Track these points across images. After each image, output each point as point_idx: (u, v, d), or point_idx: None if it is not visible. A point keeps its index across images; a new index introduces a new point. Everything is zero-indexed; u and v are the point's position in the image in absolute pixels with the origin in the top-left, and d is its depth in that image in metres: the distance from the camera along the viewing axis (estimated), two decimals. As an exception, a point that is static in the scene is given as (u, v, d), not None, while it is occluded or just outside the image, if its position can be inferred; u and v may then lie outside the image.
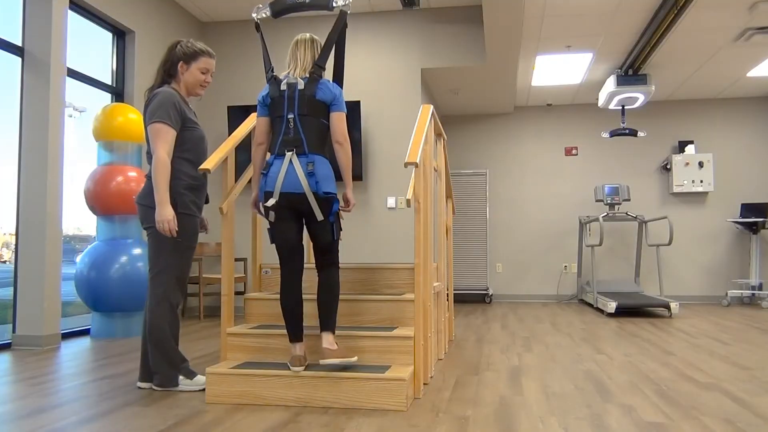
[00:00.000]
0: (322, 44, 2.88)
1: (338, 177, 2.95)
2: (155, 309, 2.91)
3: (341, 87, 2.93)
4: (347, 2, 2.87)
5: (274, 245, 2.82)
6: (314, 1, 2.90)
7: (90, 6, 4.96)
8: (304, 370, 2.72)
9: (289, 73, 2.85)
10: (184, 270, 2.97)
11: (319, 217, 2.74)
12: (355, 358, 2.76)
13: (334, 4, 2.87)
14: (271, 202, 2.73)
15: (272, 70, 2.90)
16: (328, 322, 2.75)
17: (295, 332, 2.78)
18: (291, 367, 2.73)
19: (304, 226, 2.87)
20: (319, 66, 2.82)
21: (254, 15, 2.99)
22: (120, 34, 5.48)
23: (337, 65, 2.98)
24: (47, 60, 4.39)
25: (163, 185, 2.79)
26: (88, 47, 5.29)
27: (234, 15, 6.42)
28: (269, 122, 2.88)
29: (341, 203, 2.91)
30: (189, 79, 3.01)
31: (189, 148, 2.95)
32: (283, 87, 2.79)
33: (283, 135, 2.77)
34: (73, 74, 4.91)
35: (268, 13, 2.97)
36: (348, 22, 2.94)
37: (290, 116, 2.76)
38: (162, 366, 2.91)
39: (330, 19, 6.27)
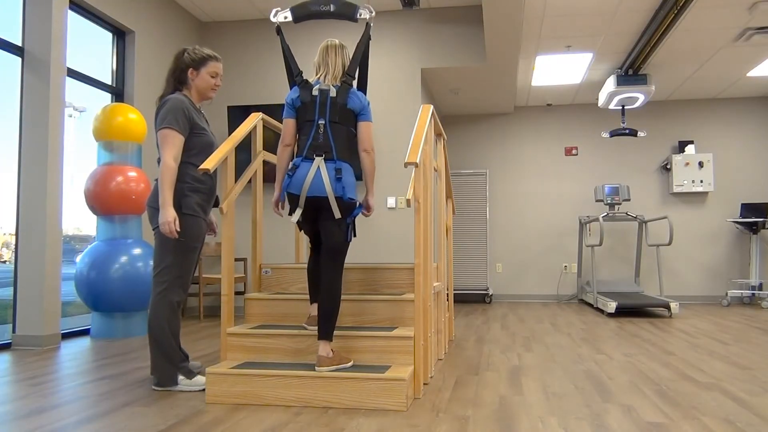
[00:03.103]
0: (350, 52, 2.98)
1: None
2: (155, 307, 2.94)
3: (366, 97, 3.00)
4: (372, 15, 2.95)
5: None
6: (339, 11, 2.97)
7: (90, 6, 4.96)
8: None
9: (319, 78, 2.92)
10: (186, 269, 3.00)
11: (337, 215, 2.80)
12: (350, 363, 2.79)
13: (359, 17, 2.94)
14: (297, 214, 2.85)
15: (302, 74, 2.96)
16: (326, 331, 2.76)
17: (315, 295, 3.03)
18: (308, 327, 2.96)
19: None
20: (349, 75, 2.91)
21: (273, 18, 3.04)
22: (120, 34, 5.48)
23: (362, 76, 3.03)
24: (47, 60, 4.39)
25: (167, 188, 2.85)
26: (88, 47, 5.29)
27: (234, 15, 6.42)
28: (296, 124, 2.94)
29: (362, 209, 3.00)
30: (200, 85, 3.08)
31: (196, 153, 3.02)
32: (315, 92, 2.87)
33: (312, 140, 2.84)
34: (73, 74, 4.91)
35: (289, 17, 3.03)
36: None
37: (321, 122, 2.84)
38: (161, 364, 2.93)
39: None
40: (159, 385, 2.94)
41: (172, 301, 2.95)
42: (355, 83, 2.96)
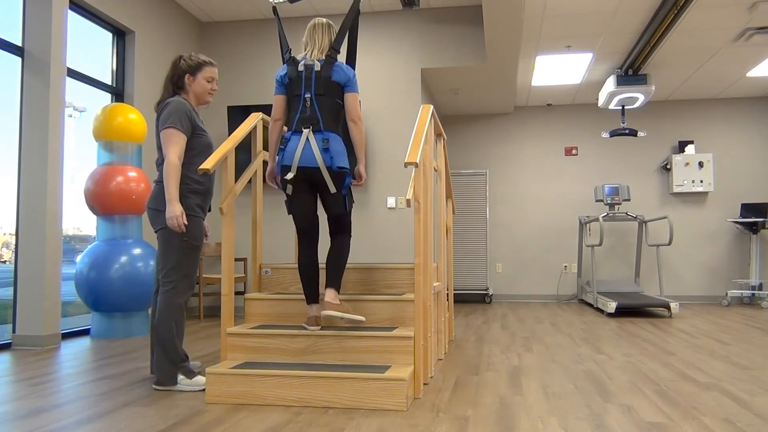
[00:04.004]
0: (337, 29, 3.08)
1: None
2: (164, 307, 2.99)
3: (354, 70, 3.09)
4: None
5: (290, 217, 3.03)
6: None
7: (90, 6, 4.96)
8: (320, 329, 2.94)
9: (306, 54, 3.03)
10: (191, 268, 3.07)
11: (332, 189, 2.92)
12: (362, 318, 2.95)
13: None
14: (289, 175, 2.92)
15: (290, 51, 3.09)
16: (332, 280, 2.94)
17: (311, 294, 3.01)
18: (307, 327, 2.95)
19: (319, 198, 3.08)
20: (334, 49, 3.01)
21: (271, 0, 3.20)
22: (120, 34, 5.48)
23: (350, 49, 3.16)
24: (47, 60, 4.39)
25: (173, 185, 2.92)
26: (88, 47, 5.29)
27: (234, 15, 6.42)
28: (286, 100, 3.05)
29: (353, 179, 3.11)
30: (197, 89, 3.17)
31: (196, 154, 3.09)
32: (301, 68, 2.98)
33: (300, 113, 2.95)
34: (73, 74, 4.91)
35: None
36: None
37: (307, 95, 2.95)
38: (163, 364, 2.96)
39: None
40: (159, 384, 2.96)
41: (180, 300, 3.01)
42: (342, 58, 3.08)
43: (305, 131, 2.90)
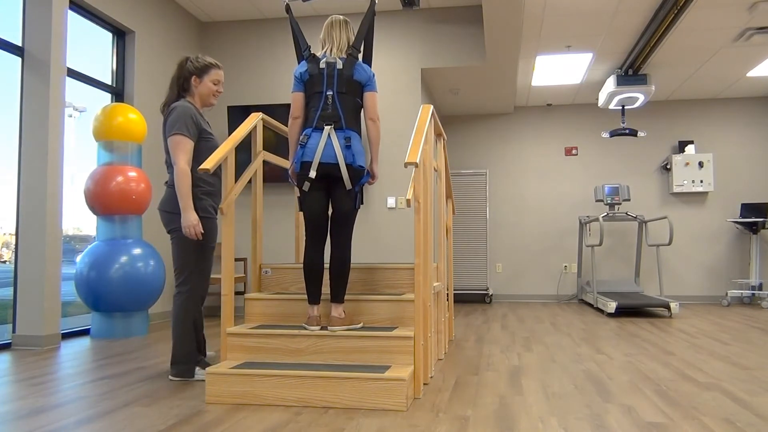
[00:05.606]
0: (354, 28, 3.12)
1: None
2: (182, 307, 3.11)
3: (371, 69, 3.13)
4: None
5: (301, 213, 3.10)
6: None
7: (90, 6, 4.96)
8: (320, 329, 2.95)
9: (325, 52, 3.04)
10: (208, 267, 3.22)
11: (348, 186, 2.94)
12: (360, 324, 3.01)
13: None
14: (312, 173, 2.91)
15: (309, 48, 3.10)
16: (337, 295, 2.98)
17: (313, 295, 3.02)
18: (308, 327, 2.97)
19: None
20: (355, 48, 3.04)
21: None
22: (120, 34, 5.48)
23: (367, 50, 3.17)
24: (47, 60, 4.39)
25: (186, 193, 3.00)
26: (88, 47, 5.29)
27: (234, 15, 6.42)
28: (305, 97, 3.04)
29: (371, 178, 3.14)
30: (203, 91, 3.22)
31: (204, 158, 3.14)
32: (322, 65, 2.99)
33: (321, 110, 2.96)
34: (73, 74, 4.91)
35: None
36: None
37: (329, 93, 2.96)
38: (180, 359, 3.11)
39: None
40: (177, 375, 3.12)
41: (197, 300, 3.16)
42: (360, 56, 3.10)
43: (327, 128, 2.91)
